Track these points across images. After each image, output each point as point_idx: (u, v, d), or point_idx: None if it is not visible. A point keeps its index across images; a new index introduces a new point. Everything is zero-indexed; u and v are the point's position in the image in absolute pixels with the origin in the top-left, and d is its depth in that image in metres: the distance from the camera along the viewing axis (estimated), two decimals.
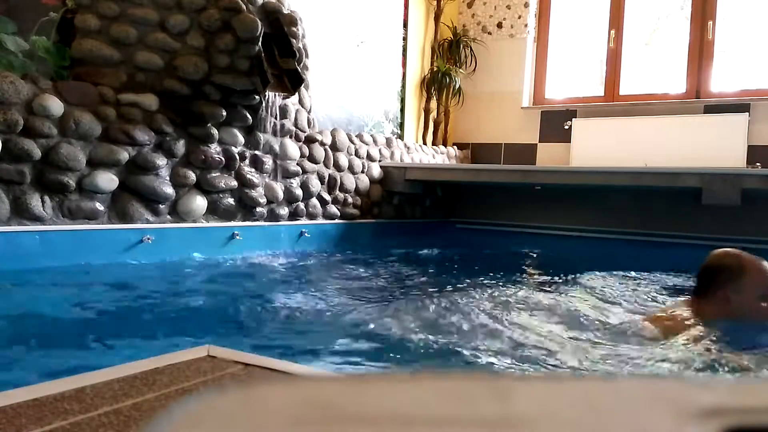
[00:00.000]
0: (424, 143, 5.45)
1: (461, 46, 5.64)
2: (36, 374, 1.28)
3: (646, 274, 2.98)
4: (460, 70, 5.59)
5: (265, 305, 2.26)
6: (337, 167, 3.94)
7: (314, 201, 3.74)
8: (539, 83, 5.70)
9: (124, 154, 2.68)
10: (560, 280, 2.86)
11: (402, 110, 5.21)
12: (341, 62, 4.47)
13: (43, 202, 2.44)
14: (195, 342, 1.54)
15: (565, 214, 4.64)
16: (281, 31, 3.04)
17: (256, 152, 3.30)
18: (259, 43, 2.90)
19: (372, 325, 1.89)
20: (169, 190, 2.86)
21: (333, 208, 3.88)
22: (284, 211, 3.50)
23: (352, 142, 4.13)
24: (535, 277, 2.98)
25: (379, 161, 4.39)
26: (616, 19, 5.33)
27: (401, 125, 5.20)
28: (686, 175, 3.56)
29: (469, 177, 4.42)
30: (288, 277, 2.78)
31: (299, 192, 3.58)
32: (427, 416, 0.22)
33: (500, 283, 2.68)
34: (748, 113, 4.66)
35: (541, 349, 1.65)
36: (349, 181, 4.03)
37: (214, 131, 3.02)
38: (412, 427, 0.21)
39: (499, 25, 5.72)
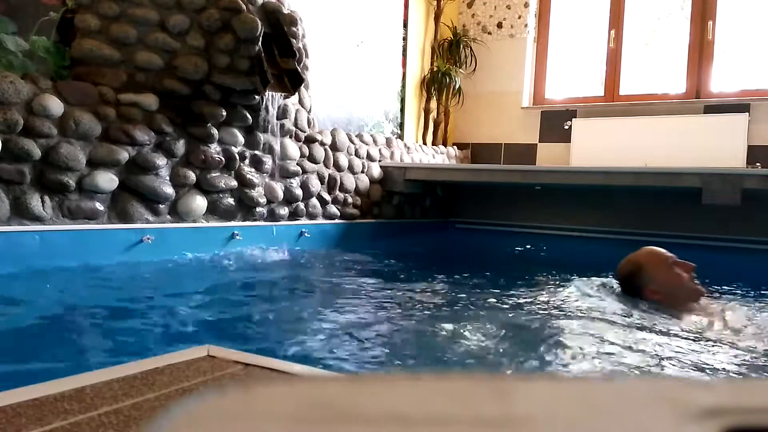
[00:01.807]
0: (424, 143, 5.45)
1: (461, 46, 5.63)
2: (35, 373, 1.28)
3: None
4: (460, 70, 5.58)
5: (265, 305, 2.26)
6: (337, 167, 3.94)
7: (314, 201, 3.74)
8: (539, 83, 5.70)
9: (124, 154, 2.68)
10: (561, 280, 2.86)
11: (402, 110, 5.21)
12: (341, 62, 4.47)
13: (43, 202, 2.44)
14: (195, 342, 1.54)
15: (565, 214, 4.63)
16: (281, 31, 3.04)
17: (256, 152, 3.30)
18: (259, 43, 2.90)
19: (371, 325, 1.89)
20: (169, 190, 2.86)
21: (333, 208, 3.88)
22: (284, 210, 3.49)
23: (352, 142, 4.13)
24: (535, 276, 2.98)
25: (379, 161, 4.39)
26: (616, 19, 5.33)
27: (401, 125, 5.20)
28: (686, 175, 3.56)
29: (469, 177, 4.42)
30: (287, 277, 2.78)
31: (299, 192, 3.58)
32: (427, 416, 0.22)
33: (500, 283, 2.68)
34: (748, 113, 4.66)
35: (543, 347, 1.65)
36: (349, 181, 4.03)
37: (214, 131, 3.02)
38: (412, 427, 0.21)
39: (499, 25, 5.72)
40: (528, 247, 4.00)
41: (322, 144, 3.81)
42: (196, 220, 3.01)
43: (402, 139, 5.08)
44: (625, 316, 1.79)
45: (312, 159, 3.71)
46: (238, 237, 3.18)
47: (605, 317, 1.80)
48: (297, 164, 3.58)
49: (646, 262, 1.91)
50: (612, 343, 1.57)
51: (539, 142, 5.55)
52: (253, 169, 3.28)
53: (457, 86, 5.51)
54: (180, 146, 2.90)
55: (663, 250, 1.93)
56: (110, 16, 2.72)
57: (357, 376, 0.25)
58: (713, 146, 4.66)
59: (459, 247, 4.58)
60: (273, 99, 3.23)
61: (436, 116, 5.60)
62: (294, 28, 3.10)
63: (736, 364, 1.50)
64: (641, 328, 1.69)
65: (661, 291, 1.87)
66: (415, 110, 5.42)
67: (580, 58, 5.71)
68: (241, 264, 3.00)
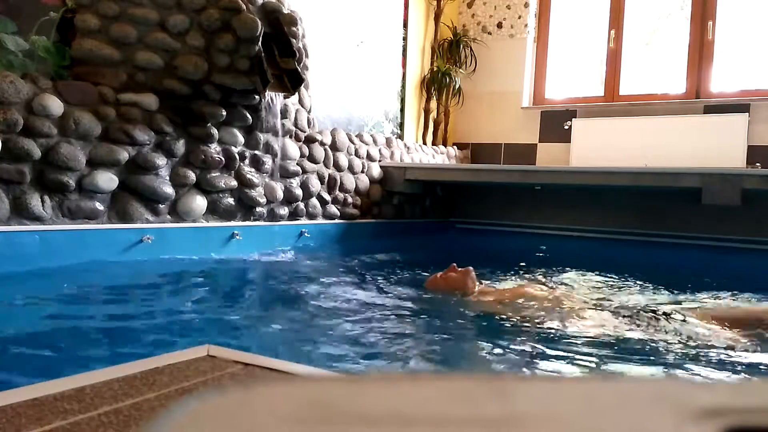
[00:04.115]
0: (424, 143, 5.45)
1: (461, 46, 5.64)
2: (35, 374, 1.28)
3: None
4: (460, 70, 5.59)
5: (265, 305, 2.26)
6: (337, 167, 3.93)
7: (314, 201, 3.74)
8: (539, 83, 5.70)
9: (124, 154, 2.68)
10: (560, 279, 2.86)
11: (402, 110, 5.21)
12: (341, 62, 4.47)
13: (43, 201, 2.44)
14: (195, 342, 1.54)
15: (565, 214, 4.63)
16: (281, 31, 3.04)
17: (256, 152, 3.30)
18: (259, 43, 2.90)
19: (372, 325, 1.89)
20: (169, 189, 2.86)
21: (333, 208, 3.88)
22: (284, 211, 3.49)
23: (352, 142, 4.13)
24: (535, 276, 2.98)
25: (379, 161, 4.39)
26: (616, 19, 5.33)
27: (401, 125, 5.20)
28: (686, 175, 3.56)
29: (469, 177, 4.42)
30: (287, 277, 2.78)
31: (299, 192, 3.58)
32: (427, 416, 0.22)
33: (499, 283, 2.68)
34: (748, 113, 4.66)
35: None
36: (349, 181, 4.03)
37: (214, 131, 3.02)
38: (412, 427, 0.21)
39: (499, 25, 5.72)
40: (538, 252, 4.00)
41: (322, 144, 3.81)
42: (196, 220, 3.01)
43: (402, 139, 5.08)
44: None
45: (312, 159, 3.71)
46: (237, 237, 3.18)
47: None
48: (297, 164, 3.58)
49: (432, 289, 2.44)
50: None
51: (539, 142, 5.56)
52: (253, 169, 3.28)
53: (457, 86, 5.51)
54: (180, 146, 2.90)
55: (435, 275, 2.48)
56: (110, 16, 2.72)
57: (357, 376, 0.25)
58: (713, 146, 4.66)
59: (459, 247, 4.58)
60: (273, 99, 3.23)
61: (436, 116, 5.60)
62: (294, 28, 3.10)
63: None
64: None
65: (454, 291, 2.36)
66: (415, 110, 5.42)
67: (580, 58, 5.71)
68: (241, 264, 3.00)
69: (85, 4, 2.71)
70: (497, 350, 1.64)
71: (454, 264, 2.42)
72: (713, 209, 3.70)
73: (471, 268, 2.39)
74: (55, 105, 2.45)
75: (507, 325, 1.93)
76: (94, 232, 2.59)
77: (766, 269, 3.50)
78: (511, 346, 1.68)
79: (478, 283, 2.37)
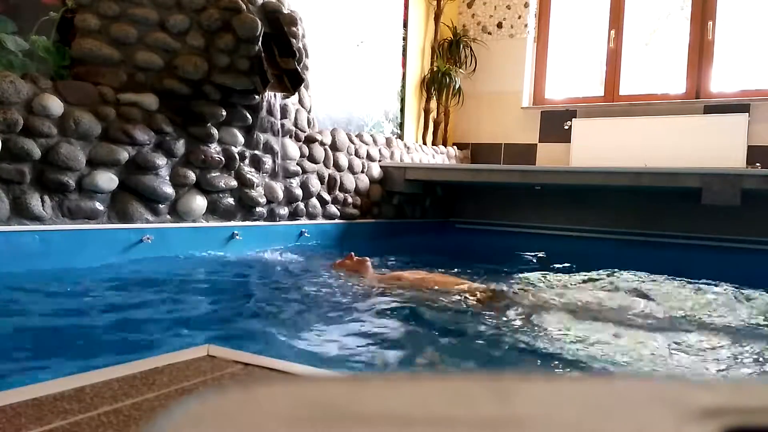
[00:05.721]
0: (424, 143, 5.45)
1: (461, 46, 5.64)
2: (35, 374, 1.28)
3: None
4: (460, 70, 5.59)
5: (265, 305, 2.26)
6: (337, 167, 3.93)
7: (314, 201, 3.74)
8: (539, 83, 5.70)
9: (124, 154, 2.68)
10: (560, 279, 2.86)
11: (402, 110, 5.21)
12: (341, 62, 4.47)
13: (42, 201, 2.44)
14: (195, 341, 1.54)
15: (565, 214, 4.64)
16: (281, 31, 3.04)
17: (256, 152, 3.30)
18: (259, 43, 2.90)
19: (371, 325, 1.90)
20: (169, 189, 2.86)
21: (333, 208, 3.88)
22: (284, 211, 3.49)
23: (352, 142, 4.13)
24: (535, 275, 2.98)
25: (379, 161, 4.39)
26: (616, 19, 5.33)
27: (401, 125, 5.20)
28: (686, 175, 3.56)
29: (469, 177, 4.42)
30: (287, 278, 2.78)
31: (299, 192, 3.58)
32: (427, 416, 0.22)
33: (499, 283, 2.68)
34: (748, 113, 4.66)
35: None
36: (349, 181, 4.03)
37: (214, 131, 3.02)
38: (412, 427, 0.21)
39: (499, 25, 5.72)
40: (535, 252, 4.00)
41: (322, 144, 3.81)
42: (196, 219, 3.01)
43: (402, 139, 5.08)
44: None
45: (312, 159, 3.71)
46: (237, 237, 3.18)
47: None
48: (297, 164, 3.58)
49: (335, 270, 2.74)
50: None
51: (539, 142, 5.56)
52: (253, 169, 3.28)
53: (457, 86, 5.51)
54: (180, 146, 2.90)
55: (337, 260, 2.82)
56: (110, 16, 2.72)
57: (357, 376, 0.25)
58: (713, 146, 4.66)
59: (459, 247, 4.58)
60: (273, 99, 3.23)
61: (436, 116, 5.60)
62: (294, 28, 3.10)
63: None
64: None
65: (351, 273, 2.65)
66: (415, 110, 5.42)
67: (580, 58, 5.71)
68: (241, 264, 3.00)
69: (85, 4, 2.71)
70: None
71: (352, 253, 2.77)
72: (713, 209, 3.69)
73: (367, 258, 2.72)
74: (55, 105, 2.45)
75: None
76: (94, 232, 2.59)
77: (765, 269, 3.50)
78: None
79: (374, 270, 2.69)
